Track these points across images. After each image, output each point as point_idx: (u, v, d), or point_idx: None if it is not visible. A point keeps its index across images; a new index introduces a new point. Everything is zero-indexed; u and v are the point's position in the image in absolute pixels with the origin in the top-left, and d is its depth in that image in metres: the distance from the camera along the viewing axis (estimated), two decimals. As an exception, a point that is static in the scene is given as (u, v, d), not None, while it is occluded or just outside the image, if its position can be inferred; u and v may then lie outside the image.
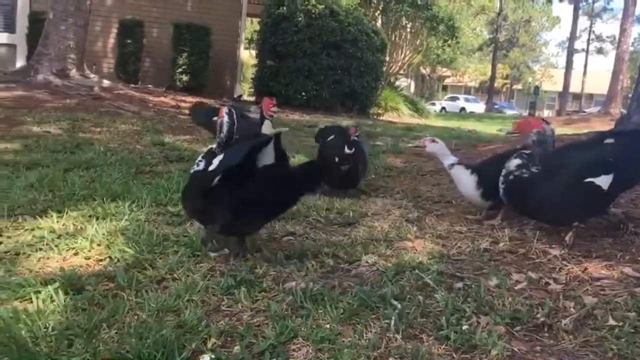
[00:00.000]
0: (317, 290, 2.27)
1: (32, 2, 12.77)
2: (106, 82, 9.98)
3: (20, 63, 12.14)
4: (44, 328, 1.86)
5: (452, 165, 3.41)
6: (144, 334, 1.84)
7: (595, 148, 2.91)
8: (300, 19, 12.09)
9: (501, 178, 3.01)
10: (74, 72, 9.39)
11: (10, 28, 13.03)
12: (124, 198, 3.44)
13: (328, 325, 2.01)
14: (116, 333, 1.88)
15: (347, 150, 3.81)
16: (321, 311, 2.12)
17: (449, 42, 19.22)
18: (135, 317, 2.01)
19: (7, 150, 4.61)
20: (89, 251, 2.63)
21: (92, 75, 9.90)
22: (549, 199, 2.83)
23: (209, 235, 2.75)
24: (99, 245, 2.70)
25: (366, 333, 1.98)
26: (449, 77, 55.57)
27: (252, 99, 14.37)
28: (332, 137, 4.08)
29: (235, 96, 14.36)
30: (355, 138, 3.94)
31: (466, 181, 3.34)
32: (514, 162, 2.97)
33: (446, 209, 3.70)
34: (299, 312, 2.12)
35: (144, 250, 2.64)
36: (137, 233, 2.86)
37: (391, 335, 1.96)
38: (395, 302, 2.17)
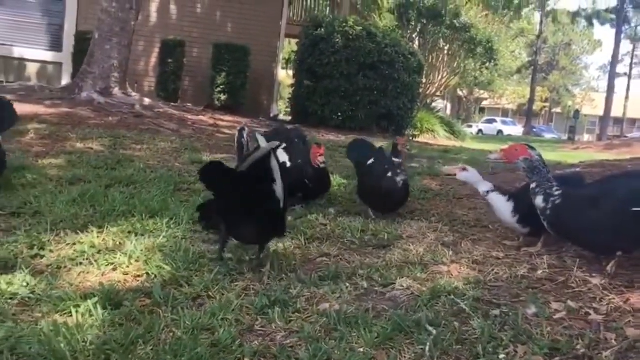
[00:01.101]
0: (351, 312, 2.26)
1: (79, 22, 13.21)
2: (147, 101, 10.21)
3: (65, 81, 12.53)
4: (83, 342, 1.90)
5: (488, 192, 3.36)
6: (179, 352, 1.86)
7: None
8: (337, 40, 12.18)
9: (541, 217, 2.94)
10: (116, 91, 9.65)
11: (57, 47, 13.49)
12: (162, 215, 3.50)
13: (362, 349, 1.99)
14: (152, 349, 1.90)
15: (396, 160, 3.79)
16: (355, 334, 2.10)
17: (487, 64, 19.10)
18: (171, 334, 2.04)
19: (52, 166, 4.75)
20: (128, 267, 2.68)
21: (133, 94, 10.15)
22: (593, 227, 2.76)
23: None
24: (137, 261, 2.75)
25: (400, 358, 1.96)
26: (486, 99, 55.11)
27: (289, 118, 14.48)
28: (374, 160, 4.04)
29: (271, 115, 14.51)
30: (406, 151, 3.84)
31: (503, 208, 3.28)
32: (539, 199, 2.92)
33: (483, 233, 3.65)
34: (333, 334, 2.11)
35: (181, 268, 2.68)
36: (174, 250, 2.90)
37: (426, 362, 1.93)
38: (430, 328, 2.15)
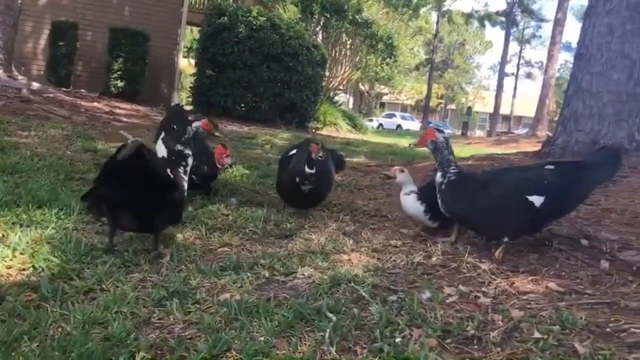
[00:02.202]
0: (252, 302, 2.24)
1: (-43, -3, 12.12)
2: (35, 85, 9.58)
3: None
4: (-42, 341, 1.75)
5: (411, 192, 3.45)
6: (67, 347, 1.76)
7: (535, 170, 3.12)
8: (241, 29, 12.04)
9: (437, 192, 3.12)
10: (0, 73, 8.97)
11: None
12: (51, 205, 3.29)
13: (262, 338, 1.98)
14: (38, 346, 1.78)
15: (307, 170, 3.62)
16: (256, 323, 2.09)
17: (387, 60, 19.67)
18: (60, 329, 1.92)
19: None
20: (11, 260, 2.49)
21: (20, 77, 9.48)
22: (486, 209, 2.97)
23: None
24: (22, 253, 2.56)
25: (301, 346, 1.96)
26: (386, 94, 56.79)
27: (190, 107, 14.15)
28: (294, 154, 3.95)
29: (172, 104, 14.10)
30: (319, 157, 3.66)
31: (414, 208, 3.42)
32: (439, 174, 3.15)
33: (382, 223, 3.75)
34: (233, 324, 2.08)
35: (71, 260, 2.53)
36: (64, 242, 2.74)
37: (325, 348, 1.95)
38: (330, 315, 2.17)
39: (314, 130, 14.19)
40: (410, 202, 3.43)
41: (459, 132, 39.17)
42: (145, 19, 13.66)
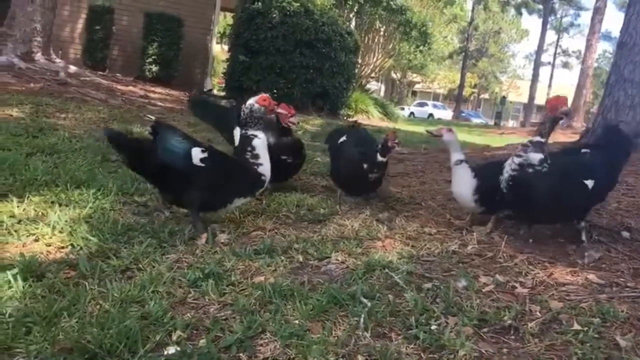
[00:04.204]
0: (286, 285, 2.24)
1: (-2, -19, 12.37)
2: (72, 68, 9.73)
3: (-18, 44, 11.73)
4: (1, 314, 1.79)
5: (460, 161, 3.30)
6: (106, 324, 1.78)
7: (581, 155, 3.09)
8: (274, 15, 12.00)
9: (507, 174, 2.97)
10: (39, 56, 9.13)
11: (-27, 7, 12.61)
12: (89, 185, 3.34)
13: (297, 321, 1.98)
14: (77, 322, 1.81)
15: (380, 158, 3.50)
16: (290, 307, 2.09)
17: (421, 48, 19.42)
18: (98, 306, 1.95)
19: (-34, 132, 4.44)
20: (51, 238, 2.54)
21: (58, 60, 9.64)
22: (553, 196, 2.87)
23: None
24: (61, 232, 2.61)
25: (335, 330, 1.96)
26: (418, 83, 56.18)
27: (223, 93, 14.22)
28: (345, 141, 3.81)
29: (205, 89, 14.19)
30: (395, 145, 3.50)
31: (467, 183, 3.25)
32: (517, 160, 2.95)
33: (416, 210, 3.71)
34: (268, 307, 2.08)
35: (108, 239, 2.57)
36: (101, 221, 2.78)
37: (360, 333, 1.94)
38: (365, 300, 2.16)
39: (345, 118, 14.12)
40: (462, 175, 3.26)
41: (492, 122, 38.57)
42: (179, 4, 13.73)
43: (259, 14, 12.07)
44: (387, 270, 2.49)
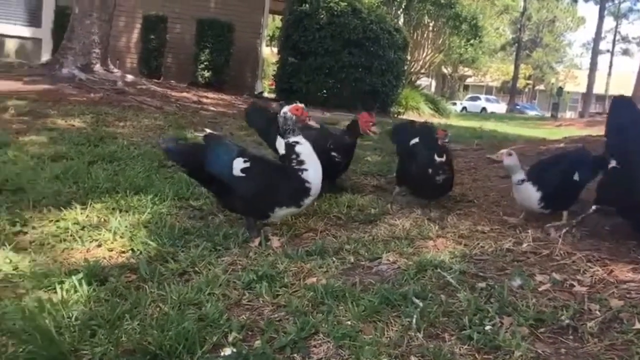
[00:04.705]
0: (338, 286, 2.27)
1: (58, -3, 12.92)
2: (129, 77, 10.05)
3: (45, 57, 12.28)
4: (68, 318, 1.89)
5: (522, 181, 3.24)
6: (165, 326, 1.85)
7: None
8: (322, 16, 12.06)
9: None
10: (98, 67, 9.47)
11: (36, 22, 13.19)
12: (147, 191, 3.47)
13: (349, 322, 2.00)
14: (138, 324, 1.89)
15: (438, 159, 3.39)
16: (342, 308, 2.11)
17: (472, 41, 19.09)
18: (158, 309, 2.03)
19: (33, 142, 4.67)
20: (112, 243, 2.66)
21: (115, 70, 9.98)
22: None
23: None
24: (121, 237, 2.72)
25: (387, 331, 1.97)
26: (470, 76, 55.08)
27: (273, 95, 14.39)
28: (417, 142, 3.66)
29: (256, 92, 14.39)
30: (445, 143, 3.45)
31: (531, 197, 3.22)
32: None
33: (468, 208, 3.67)
34: (320, 308, 2.11)
35: (166, 244, 2.66)
36: (159, 226, 2.88)
37: (412, 334, 1.94)
38: (417, 301, 2.16)
39: (395, 115, 14.04)
40: (526, 193, 3.23)
41: (548, 114, 37.46)
42: (229, 9, 13.96)
43: (307, 16, 12.16)
44: (439, 269, 2.48)
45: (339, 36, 12.12)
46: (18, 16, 13.17)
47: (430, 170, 3.39)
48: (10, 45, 13.11)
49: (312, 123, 2.97)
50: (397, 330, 1.97)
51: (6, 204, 3.06)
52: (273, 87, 15.32)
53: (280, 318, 2.04)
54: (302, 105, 2.92)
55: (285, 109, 2.89)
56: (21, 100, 6.78)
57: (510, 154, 3.30)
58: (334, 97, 12.35)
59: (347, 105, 12.05)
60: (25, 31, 13.19)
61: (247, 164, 2.72)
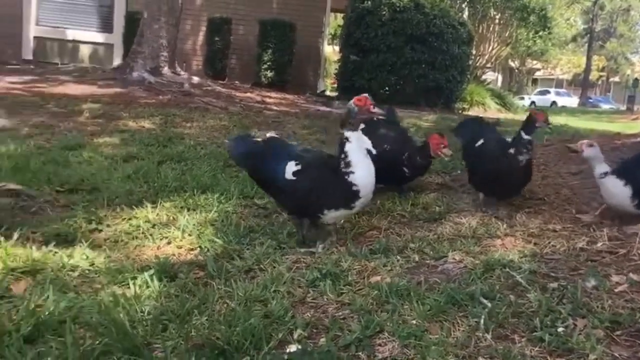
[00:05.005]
0: (403, 285, 2.24)
1: (128, 2, 13.43)
2: (195, 79, 10.33)
3: (117, 61, 12.80)
4: (140, 312, 1.96)
5: (605, 174, 3.06)
6: (233, 322, 1.89)
7: None
8: (384, 12, 11.97)
9: None
10: (166, 70, 9.79)
11: (108, 28, 13.78)
12: (213, 190, 3.55)
13: (414, 321, 1.98)
14: (207, 320, 1.94)
15: (525, 136, 3.23)
16: (407, 307, 2.09)
17: (540, 33, 18.45)
18: (225, 305, 2.07)
19: (107, 144, 4.88)
20: (181, 240, 2.74)
21: (182, 73, 10.28)
22: None
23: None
24: (190, 235, 2.80)
25: (454, 331, 1.93)
26: (539, 70, 53.29)
27: (335, 94, 14.41)
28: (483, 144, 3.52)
29: (318, 91, 14.46)
30: (546, 126, 3.32)
31: (620, 193, 3.00)
32: None
33: (538, 205, 3.54)
34: (385, 306, 2.10)
35: (232, 241, 2.71)
36: (225, 224, 2.94)
37: (480, 335, 1.90)
38: (485, 301, 2.11)
39: (460, 111, 13.77)
40: (612, 188, 3.01)
41: (623, 107, 35.73)
42: (291, 9, 14.09)
43: (369, 13, 12.09)
44: (507, 269, 2.41)
45: (401, 32, 11.99)
46: (91, 23, 13.81)
47: (512, 151, 3.24)
48: (85, 51, 13.76)
49: (376, 110, 2.78)
50: (464, 331, 1.93)
51: (82, 203, 3.21)
52: (335, 85, 15.34)
53: (345, 316, 2.04)
54: (366, 95, 2.76)
55: (350, 103, 2.75)
56: (95, 103, 7.10)
57: (591, 145, 3.10)
58: (397, 94, 12.22)
59: (410, 102, 11.91)
60: (99, 37, 13.81)
61: (299, 167, 2.72)
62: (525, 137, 3.23)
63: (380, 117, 2.91)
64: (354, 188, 2.64)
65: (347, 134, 2.68)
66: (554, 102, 42.85)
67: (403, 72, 12.13)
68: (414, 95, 12.18)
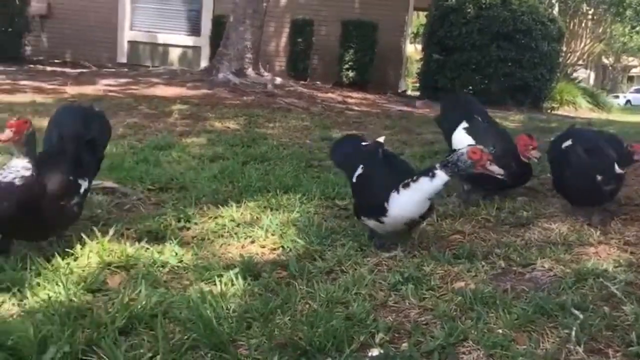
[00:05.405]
0: (488, 292, 2.18)
1: (215, 6, 13.88)
2: (278, 80, 10.52)
3: (204, 63, 13.26)
4: (226, 310, 2.01)
5: None
6: (314, 323, 1.90)
7: None
8: (469, 10, 11.70)
9: None
10: (250, 71, 10.04)
11: (196, 32, 14.31)
12: (295, 190, 3.60)
13: (500, 331, 1.92)
14: (289, 319, 1.97)
15: (618, 170, 3.03)
16: (492, 315, 2.03)
17: (637, 28, 17.36)
18: (307, 305, 2.09)
19: (194, 144, 5.06)
20: (264, 240, 2.79)
21: (265, 74, 10.50)
22: None
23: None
24: (272, 234, 2.85)
25: (543, 342, 1.86)
26: (636, 66, 50.17)
27: (416, 93, 14.23)
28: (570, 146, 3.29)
29: (399, 91, 14.34)
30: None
31: None
32: None
33: (635, 212, 3.34)
34: (469, 314, 2.05)
35: (314, 242, 2.73)
36: (307, 225, 2.97)
37: (571, 347, 1.82)
38: (577, 312, 2.01)
39: (549, 111, 13.22)
40: None
41: None
42: (374, 8, 14.04)
43: (453, 10, 11.87)
44: (601, 279, 2.29)
45: (486, 30, 11.67)
46: (181, 27, 14.39)
47: (599, 179, 3.02)
48: (174, 54, 14.36)
49: (494, 169, 2.47)
50: (553, 343, 1.85)
51: (172, 201, 3.35)
52: (417, 84, 15.16)
53: (427, 322, 2.01)
54: (482, 147, 2.51)
55: (465, 148, 2.50)
56: (184, 104, 7.39)
57: None
58: (482, 94, 11.85)
59: (495, 102, 11.56)
60: (187, 40, 14.36)
61: (361, 171, 2.78)
62: (619, 171, 3.02)
63: (499, 177, 2.52)
64: (385, 205, 2.53)
65: (439, 173, 2.47)
66: (651, 101, 40.22)
67: (488, 71, 11.81)
68: (499, 94, 11.82)
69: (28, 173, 2.22)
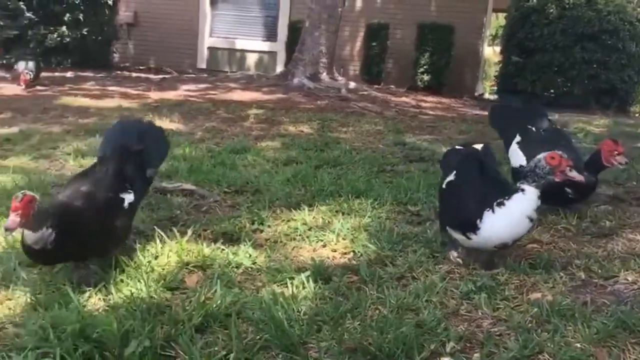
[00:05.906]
0: (566, 304, 2.10)
1: (291, 12, 14.09)
2: (352, 84, 10.56)
3: (279, 68, 13.49)
4: (297, 312, 2.05)
5: None
6: (384, 329, 1.90)
7: None
8: (551, 10, 11.29)
9: None
10: (324, 76, 10.13)
11: (272, 37, 14.58)
12: (367, 195, 3.60)
13: (578, 345, 1.85)
14: (359, 324, 1.98)
15: None
16: (570, 328, 1.96)
17: None
18: (377, 311, 2.09)
19: (269, 148, 5.17)
20: (335, 244, 2.81)
21: (339, 78, 10.57)
22: None
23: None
24: (344, 239, 2.87)
25: (624, 358, 1.77)
26: None
27: (494, 97, 13.86)
28: None
29: (476, 94, 14.01)
30: None
31: None
32: None
33: None
34: (545, 326, 1.99)
35: (385, 247, 2.73)
36: (378, 230, 2.97)
37: (657, 366, 1.72)
38: (662, 329, 1.90)
39: (637, 115, 12.51)
40: None
41: None
42: (450, 11, 13.79)
43: (534, 11, 11.49)
44: (692, 295, 2.15)
45: (570, 30, 11.21)
46: (258, 33, 14.71)
47: None
48: (251, 59, 14.70)
49: (574, 175, 2.38)
50: (636, 359, 1.76)
51: (246, 204, 3.43)
52: (494, 87, 14.75)
53: (501, 332, 1.96)
54: (561, 153, 2.40)
55: (542, 155, 2.40)
56: (260, 109, 7.56)
57: None
58: (564, 97, 11.45)
59: (579, 105, 11.10)
60: (264, 46, 14.66)
61: (452, 178, 2.71)
62: None
63: (580, 182, 2.48)
64: (477, 222, 2.38)
65: (526, 187, 2.36)
66: None
67: (571, 73, 11.34)
68: (583, 97, 11.33)
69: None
